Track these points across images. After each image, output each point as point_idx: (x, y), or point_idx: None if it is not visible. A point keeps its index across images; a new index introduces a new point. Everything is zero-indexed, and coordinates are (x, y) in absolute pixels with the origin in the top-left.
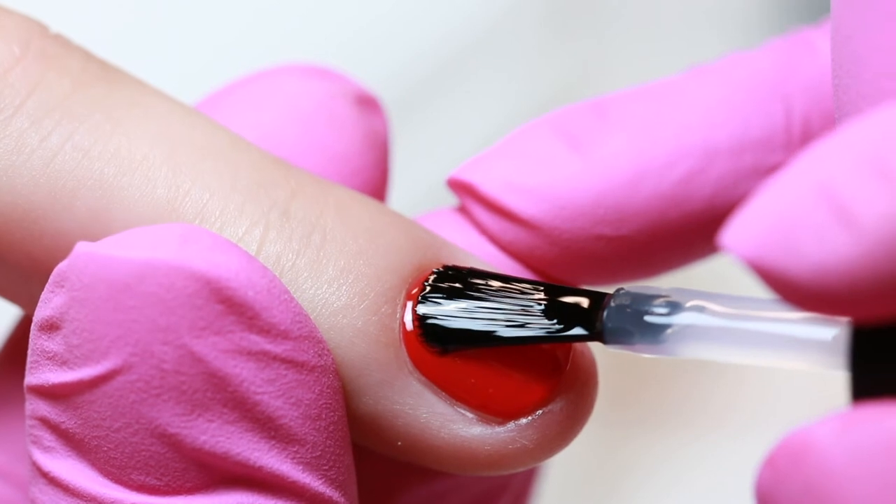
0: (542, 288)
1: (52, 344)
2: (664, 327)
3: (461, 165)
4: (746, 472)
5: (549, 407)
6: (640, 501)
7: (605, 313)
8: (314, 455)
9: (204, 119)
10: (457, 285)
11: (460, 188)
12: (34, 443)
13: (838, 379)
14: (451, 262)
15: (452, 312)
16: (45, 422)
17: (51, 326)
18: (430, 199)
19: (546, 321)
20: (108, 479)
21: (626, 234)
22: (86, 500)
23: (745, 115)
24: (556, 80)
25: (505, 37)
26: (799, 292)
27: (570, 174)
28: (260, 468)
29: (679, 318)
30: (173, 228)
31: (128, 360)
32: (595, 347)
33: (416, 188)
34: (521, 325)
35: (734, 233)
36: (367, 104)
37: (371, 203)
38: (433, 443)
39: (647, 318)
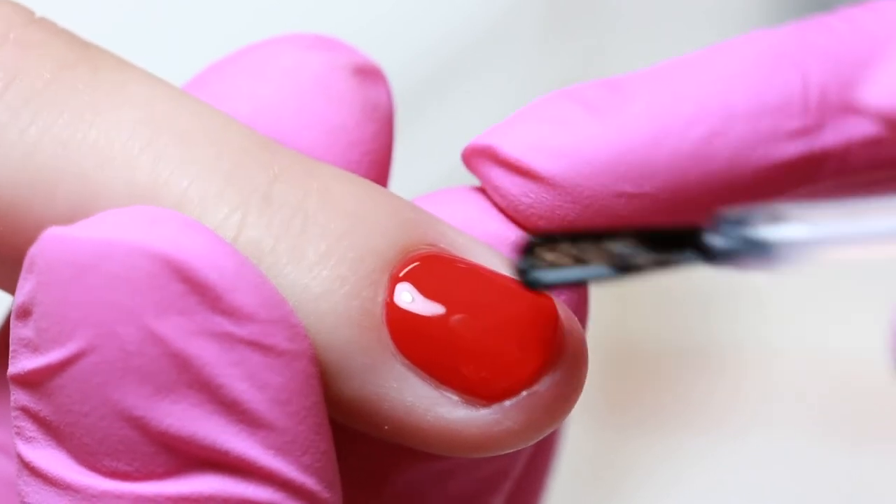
0: (633, 228)
1: (26, 330)
2: (772, 242)
3: (477, 136)
4: (746, 471)
5: (535, 388)
6: (640, 501)
7: (710, 236)
8: (284, 440)
9: (188, 101)
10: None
11: (478, 154)
12: (18, 434)
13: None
14: (438, 242)
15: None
16: (25, 411)
17: (24, 312)
18: None
19: (647, 253)
20: (84, 466)
21: (648, 192)
22: (62, 489)
23: (761, 82)
24: (556, 81)
25: (505, 37)
26: None
27: (591, 134)
28: (227, 452)
29: (788, 230)
30: (140, 210)
31: (91, 342)
32: (588, 351)
33: (416, 188)
34: (623, 260)
35: (875, 90)
36: (368, 74)
37: (358, 184)
38: (419, 426)
39: (755, 233)
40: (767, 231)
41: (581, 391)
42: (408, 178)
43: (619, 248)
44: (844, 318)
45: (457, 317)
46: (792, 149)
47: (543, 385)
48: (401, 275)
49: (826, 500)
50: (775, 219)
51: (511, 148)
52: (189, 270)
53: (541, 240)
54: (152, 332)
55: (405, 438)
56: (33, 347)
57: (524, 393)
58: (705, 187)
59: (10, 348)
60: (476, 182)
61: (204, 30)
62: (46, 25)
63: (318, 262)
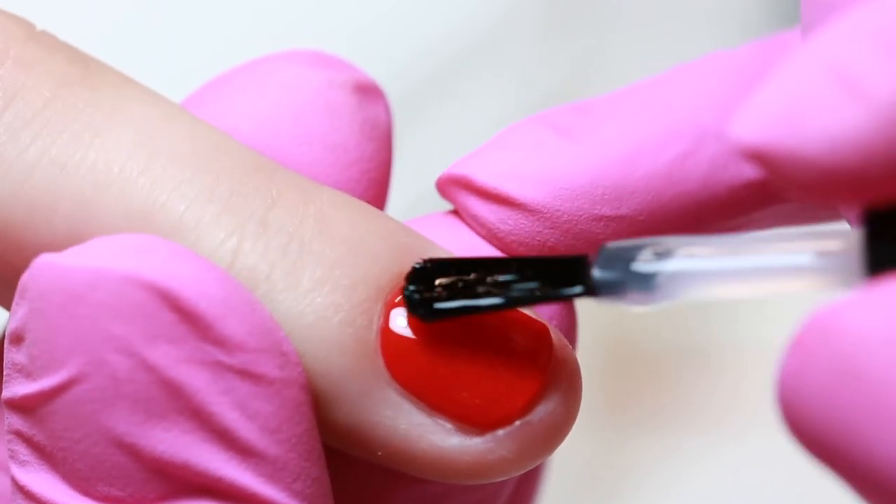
0: (521, 259)
1: (19, 356)
2: (655, 274)
3: (451, 165)
4: (746, 471)
5: (528, 417)
6: (640, 501)
7: (593, 269)
8: (275, 468)
9: (187, 121)
10: (436, 277)
11: (454, 184)
12: (12, 457)
13: None
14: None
15: (436, 293)
16: (19, 435)
17: (17, 338)
18: (429, 199)
19: (533, 285)
20: (77, 491)
21: (626, 214)
22: None
23: (728, 101)
24: (555, 81)
25: (504, 37)
26: (810, 171)
27: (566, 159)
28: (220, 479)
29: (669, 264)
30: (130, 238)
31: (82, 370)
32: (588, 351)
33: (415, 189)
34: (508, 291)
35: (740, 121)
36: (368, 92)
37: (355, 208)
38: (413, 454)
39: (637, 267)
40: (649, 265)
41: (573, 422)
42: (407, 179)
43: (507, 278)
44: None
45: (450, 343)
46: None
47: (537, 414)
48: (396, 300)
49: (826, 500)
50: (659, 252)
51: (486, 176)
52: (179, 299)
53: (430, 268)
54: (143, 359)
55: (399, 465)
56: (26, 373)
57: (518, 422)
58: (681, 207)
59: (5, 372)
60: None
61: (201, 28)
62: (46, 40)
63: (312, 288)
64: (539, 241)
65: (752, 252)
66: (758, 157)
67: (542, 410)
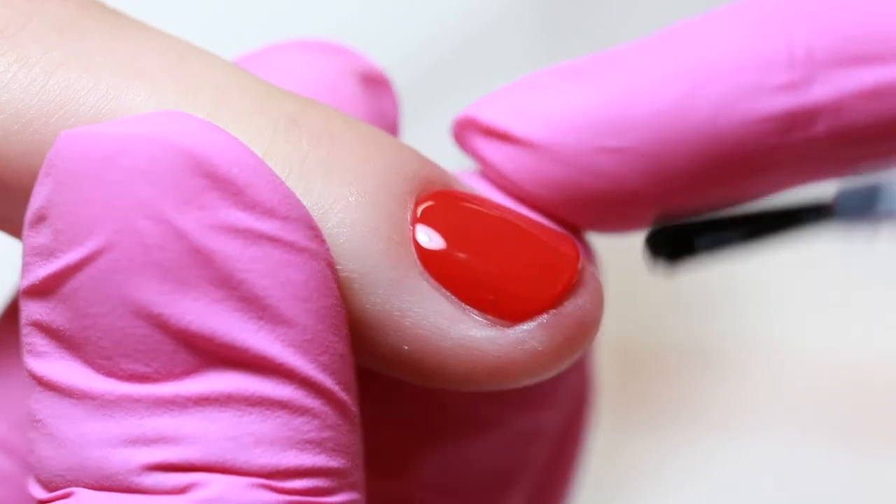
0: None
1: (40, 237)
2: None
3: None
4: (751, 471)
5: (560, 309)
6: (644, 501)
7: (835, 198)
8: (304, 338)
9: (205, 50)
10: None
11: (463, 127)
12: (29, 351)
13: (843, 378)
14: (449, 180)
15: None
16: (37, 325)
17: (39, 219)
18: None
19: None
20: (100, 373)
21: (630, 146)
22: (78, 398)
23: (743, 40)
24: None
25: (500, 36)
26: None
27: (568, 96)
28: (247, 349)
29: None
30: (161, 111)
31: (111, 238)
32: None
33: None
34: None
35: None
36: (376, 82)
37: (374, 127)
38: (441, 344)
39: (877, 184)
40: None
41: (601, 321)
42: None
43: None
44: (849, 319)
45: (482, 239)
46: (778, 102)
47: (567, 308)
48: (422, 207)
49: (831, 500)
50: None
51: (489, 115)
52: (210, 164)
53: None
54: (173, 226)
55: (424, 361)
56: (48, 252)
57: (548, 314)
58: (690, 141)
59: (23, 262)
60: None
61: (200, 18)
62: None
63: (346, 176)
64: (546, 176)
65: None
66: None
67: (572, 305)
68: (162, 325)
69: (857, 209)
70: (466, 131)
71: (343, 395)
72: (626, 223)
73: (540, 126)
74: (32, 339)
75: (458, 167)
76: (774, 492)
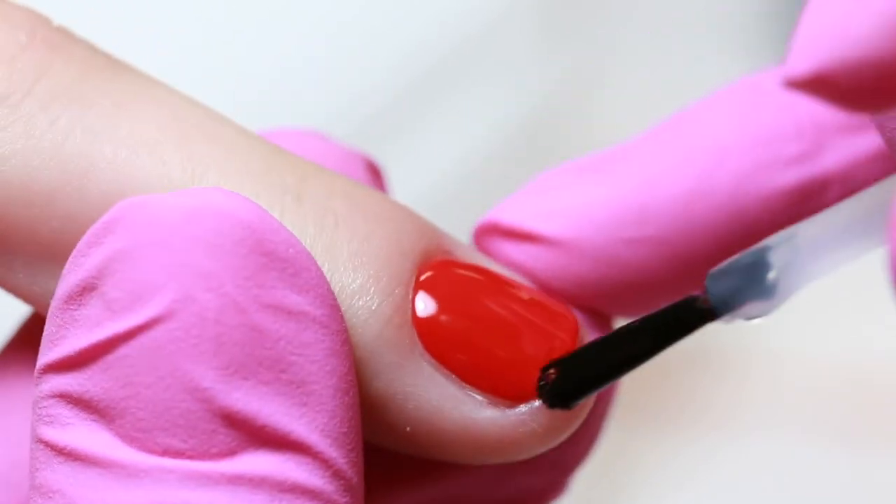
0: (633, 324)
1: (84, 309)
2: (767, 269)
3: (480, 219)
4: (751, 472)
5: None
6: (644, 502)
7: (705, 290)
8: (342, 431)
9: (210, 109)
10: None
11: (486, 232)
12: (48, 423)
13: (843, 379)
14: (454, 250)
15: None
16: (64, 397)
17: (83, 290)
18: (426, 203)
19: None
20: (132, 445)
21: (652, 235)
22: (104, 468)
23: (750, 116)
24: (550, 83)
25: (499, 39)
26: (865, 71)
27: (587, 191)
28: (287, 434)
29: (778, 255)
30: (216, 188)
31: (170, 307)
32: None
33: (412, 192)
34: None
35: (787, 67)
36: (375, 171)
37: (373, 191)
38: (443, 426)
39: (748, 268)
40: (758, 262)
41: (595, 399)
42: (404, 182)
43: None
44: (849, 320)
45: (482, 320)
46: (793, 174)
47: None
48: (422, 278)
49: (831, 500)
50: (758, 251)
51: (512, 218)
52: (269, 242)
53: (560, 364)
54: (234, 300)
55: (426, 440)
56: (94, 323)
57: None
58: (713, 221)
59: (49, 336)
60: None
61: (196, 29)
62: (66, 32)
63: (351, 259)
64: (572, 272)
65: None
66: (816, 82)
67: None
68: (207, 402)
69: (731, 296)
70: (489, 236)
71: (361, 484)
72: (646, 309)
73: (563, 224)
74: (56, 412)
75: (458, 167)
76: (774, 492)
